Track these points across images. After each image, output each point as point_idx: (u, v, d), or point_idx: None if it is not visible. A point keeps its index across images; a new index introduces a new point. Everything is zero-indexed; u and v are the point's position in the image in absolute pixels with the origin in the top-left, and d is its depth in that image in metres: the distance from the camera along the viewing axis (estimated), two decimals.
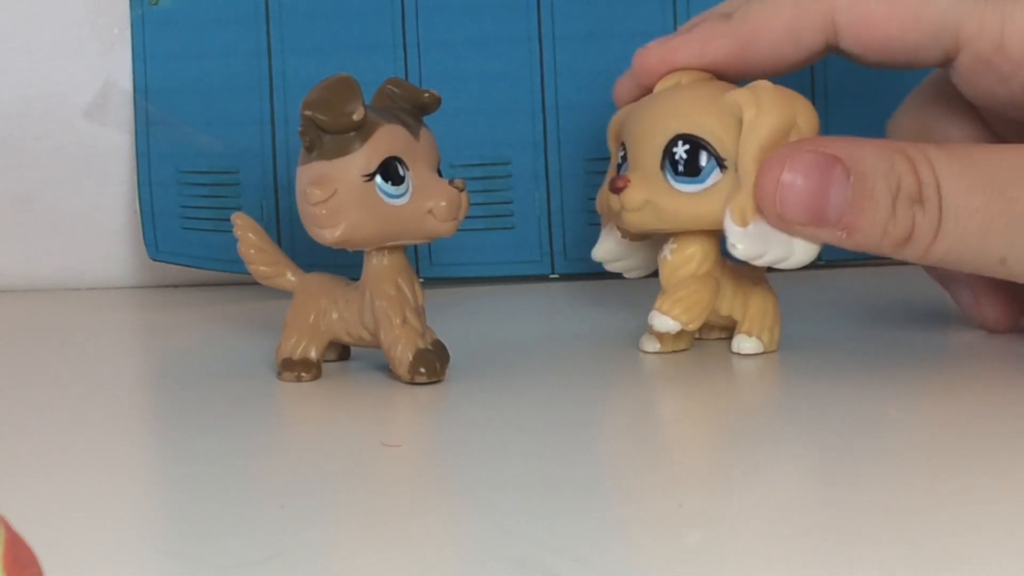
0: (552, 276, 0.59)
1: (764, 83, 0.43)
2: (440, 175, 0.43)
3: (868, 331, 0.48)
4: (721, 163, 0.43)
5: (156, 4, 0.57)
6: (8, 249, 0.59)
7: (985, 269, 0.41)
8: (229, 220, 0.45)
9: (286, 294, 0.45)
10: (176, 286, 0.60)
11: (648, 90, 0.46)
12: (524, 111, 0.58)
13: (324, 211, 0.41)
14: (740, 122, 0.42)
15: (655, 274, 0.46)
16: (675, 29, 0.56)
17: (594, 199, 0.48)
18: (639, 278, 0.49)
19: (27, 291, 0.60)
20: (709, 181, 0.43)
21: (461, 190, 0.42)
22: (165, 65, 0.57)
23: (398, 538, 0.31)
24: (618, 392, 0.43)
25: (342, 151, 0.41)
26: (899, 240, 0.41)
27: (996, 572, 0.28)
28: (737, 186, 0.42)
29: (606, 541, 0.30)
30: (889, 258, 0.42)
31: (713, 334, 0.48)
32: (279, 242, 0.55)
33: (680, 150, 0.43)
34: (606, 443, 0.39)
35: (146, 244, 0.57)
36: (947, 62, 0.42)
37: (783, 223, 0.42)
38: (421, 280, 0.44)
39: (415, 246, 0.57)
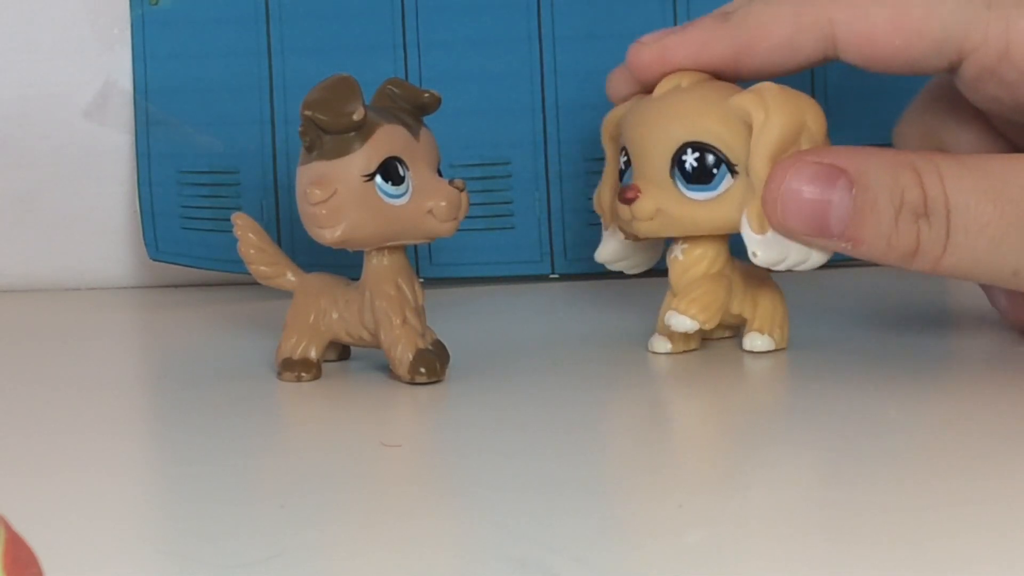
0: (552, 276, 0.58)
1: (769, 85, 0.43)
2: (440, 175, 0.43)
3: (875, 332, 0.48)
4: (732, 169, 0.43)
5: (156, 4, 0.57)
6: (8, 249, 0.59)
7: (998, 281, 0.41)
8: (229, 220, 0.45)
9: (286, 294, 0.45)
10: (176, 286, 0.60)
11: (643, 86, 0.45)
12: (524, 111, 0.58)
13: (324, 211, 0.41)
14: (748, 127, 0.42)
15: (655, 270, 0.46)
16: None
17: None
18: (640, 274, 0.49)
19: (27, 291, 0.60)
20: (721, 187, 0.43)
21: (461, 190, 0.42)
22: (165, 65, 0.57)
23: (398, 538, 0.31)
24: (618, 392, 0.43)
25: (342, 151, 0.41)
26: (905, 253, 0.40)
27: (996, 572, 0.28)
28: (750, 191, 0.42)
29: (606, 541, 0.30)
30: None
31: (718, 333, 0.48)
32: (279, 242, 0.54)
33: (690, 158, 0.43)
34: (607, 443, 0.39)
35: (146, 244, 0.57)
36: (951, 70, 0.42)
37: (788, 233, 0.42)
38: (421, 280, 0.44)
39: (415, 246, 0.57)
